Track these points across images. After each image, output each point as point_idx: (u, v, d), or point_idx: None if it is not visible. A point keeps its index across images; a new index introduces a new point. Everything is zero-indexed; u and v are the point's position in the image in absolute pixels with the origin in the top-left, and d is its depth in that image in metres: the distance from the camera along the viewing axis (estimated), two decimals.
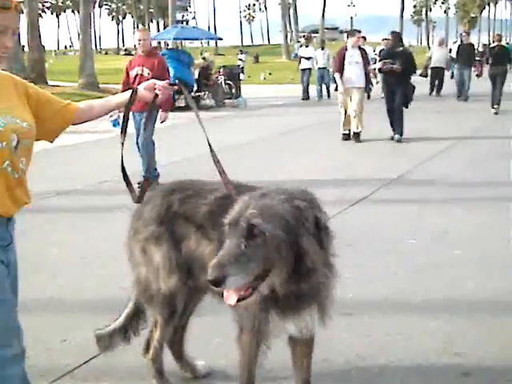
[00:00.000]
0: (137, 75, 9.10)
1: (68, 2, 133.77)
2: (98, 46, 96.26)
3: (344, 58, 13.24)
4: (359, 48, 13.52)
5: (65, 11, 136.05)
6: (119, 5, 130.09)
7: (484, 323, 4.49)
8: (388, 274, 5.53)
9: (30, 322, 4.43)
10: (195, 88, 21.10)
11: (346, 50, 13.34)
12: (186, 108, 18.78)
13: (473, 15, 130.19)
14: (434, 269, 5.60)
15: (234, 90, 23.03)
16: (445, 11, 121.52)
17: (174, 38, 25.70)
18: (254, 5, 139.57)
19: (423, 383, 3.75)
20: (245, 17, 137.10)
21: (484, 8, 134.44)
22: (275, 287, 2.62)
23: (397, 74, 12.93)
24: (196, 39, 35.05)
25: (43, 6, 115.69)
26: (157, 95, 3.28)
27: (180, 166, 10.40)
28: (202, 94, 21.41)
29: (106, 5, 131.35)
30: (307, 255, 2.52)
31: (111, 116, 8.75)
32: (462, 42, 23.51)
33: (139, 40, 9.27)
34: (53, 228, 7.18)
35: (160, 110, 8.98)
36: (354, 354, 4.05)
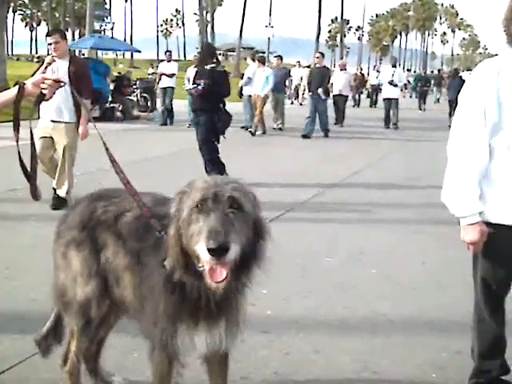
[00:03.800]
0: None
1: None
2: (9, 52, 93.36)
3: None
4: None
5: None
6: (34, 11, 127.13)
7: (401, 342, 4.52)
8: (304, 291, 5.52)
9: None
10: (109, 99, 20.75)
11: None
12: (101, 119, 18.47)
13: (385, 43, 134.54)
14: (351, 287, 5.64)
15: (149, 103, 22.76)
16: (359, 38, 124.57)
17: (92, 48, 25.22)
18: (171, 20, 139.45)
19: None
20: (162, 31, 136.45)
21: (396, 37, 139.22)
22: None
23: (201, 98, 10.22)
24: (115, 50, 34.56)
25: None
26: (42, 93, 3.10)
27: (95, 176, 10.13)
28: (116, 105, 21.06)
29: (21, 10, 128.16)
30: (260, 244, 2.52)
31: None
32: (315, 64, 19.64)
33: None
34: None
35: None
36: (272, 371, 4.00)
